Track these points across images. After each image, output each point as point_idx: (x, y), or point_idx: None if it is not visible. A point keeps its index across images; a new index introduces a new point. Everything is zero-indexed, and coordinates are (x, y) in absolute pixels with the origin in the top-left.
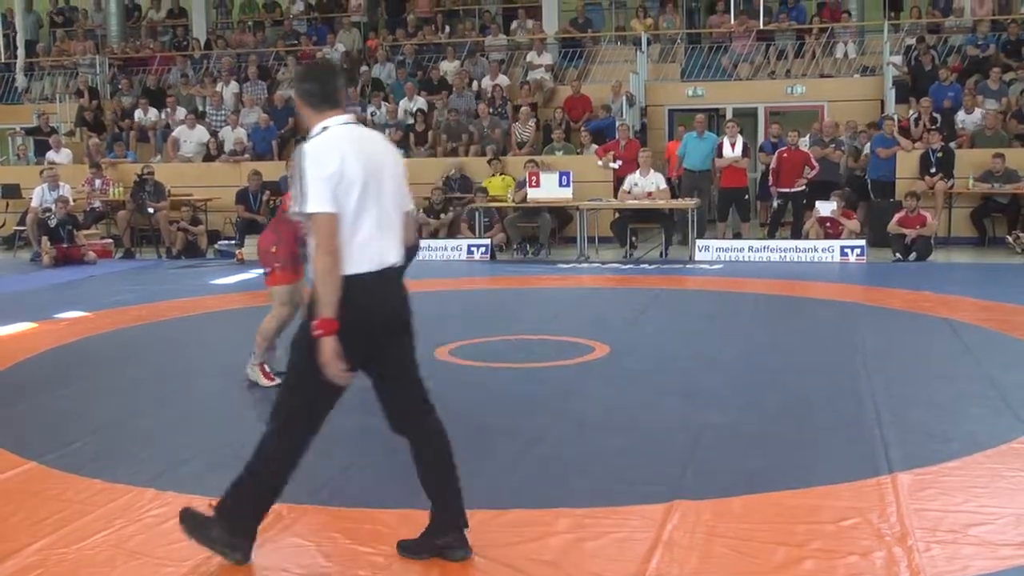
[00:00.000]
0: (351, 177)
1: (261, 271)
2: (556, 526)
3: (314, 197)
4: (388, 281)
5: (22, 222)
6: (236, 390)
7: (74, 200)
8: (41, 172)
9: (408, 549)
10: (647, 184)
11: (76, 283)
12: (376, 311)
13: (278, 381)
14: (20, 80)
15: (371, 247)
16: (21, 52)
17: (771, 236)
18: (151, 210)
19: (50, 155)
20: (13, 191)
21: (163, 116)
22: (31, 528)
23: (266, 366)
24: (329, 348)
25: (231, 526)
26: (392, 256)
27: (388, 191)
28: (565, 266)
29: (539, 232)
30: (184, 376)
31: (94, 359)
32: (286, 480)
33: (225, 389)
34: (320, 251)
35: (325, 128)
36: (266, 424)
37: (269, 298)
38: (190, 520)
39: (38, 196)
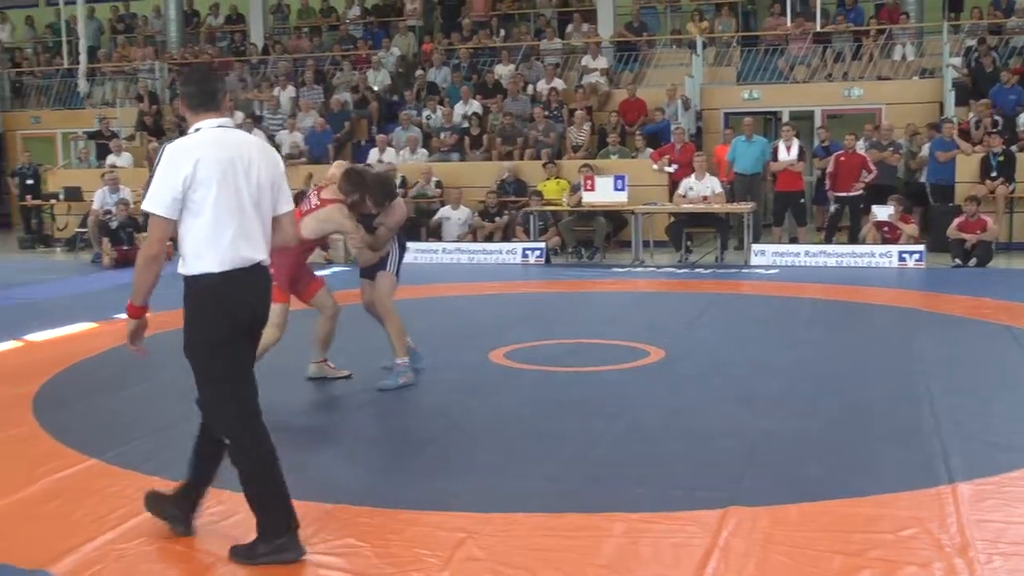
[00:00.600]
0: (203, 178)
1: None
2: (611, 531)
3: (152, 196)
4: (246, 279)
5: (83, 224)
6: (290, 391)
7: (134, 203)
8: (102, 175)
9: (240, 554)
10: (702, 188)
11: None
12: (235, 306)
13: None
14: (82, 85)
15: (228, 246)
16: (83, 58)
17: (828, 241)
18: None
19: (111, 159)
20: (75, 194)
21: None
22: (91, 524)
23: None
24: (135, 327)
25: (271, 535)
26: (252, 254)
27: (249, 193)
28: (620, 270)
29: (594, 236)
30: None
31: (153, 359)
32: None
33: (280, 390)
34: (145, 246)
35: (197, 130)
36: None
37: None
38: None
39: (99, 199)
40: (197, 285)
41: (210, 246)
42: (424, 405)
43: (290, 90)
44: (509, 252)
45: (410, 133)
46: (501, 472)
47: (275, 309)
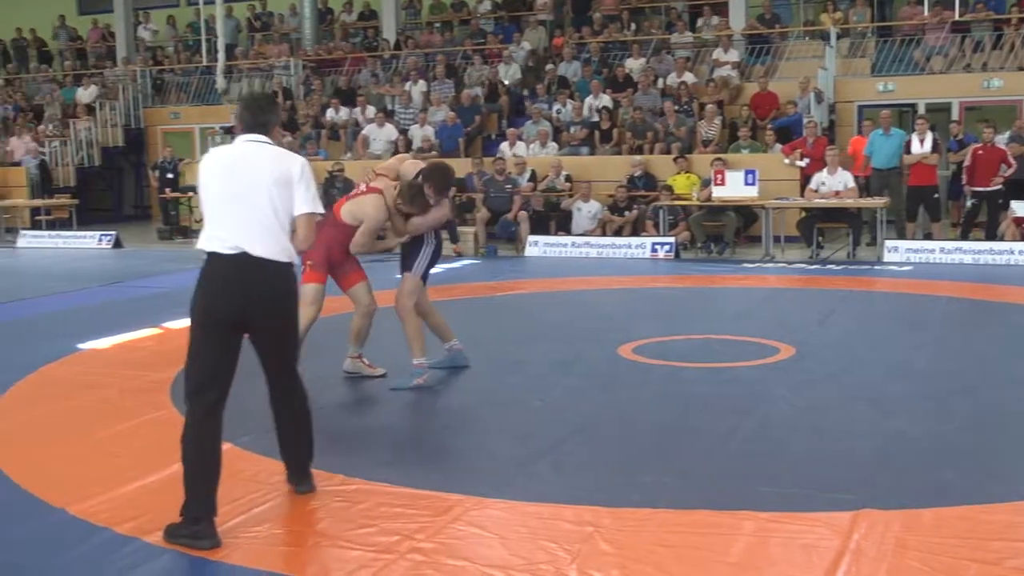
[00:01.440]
0: (203, 181)
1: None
2: (741, 529)
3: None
4: (236, 266)
5: None
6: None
7: None
8: (371, 169)
9: (167, 531)
10: (835, 183)
11: None
12: (218, 290)
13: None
14: (220, 82)
15: (217, 235)
16: (221, 56)
17: (964, 237)
18: None
19: None
20: None
21: (353, 115)
22: (225, 507)
23: None
24: None
25: (187, 519)
26: (244, 246)
27: (244, 193)
28: (750, 265)
29: (724, 231)
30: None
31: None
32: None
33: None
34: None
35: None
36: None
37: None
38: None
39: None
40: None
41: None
42: (553, 400)
43: (421, 84)
44: (638, 247)
45: (540, 127)
46: (630, 467)
47: (305, 289)
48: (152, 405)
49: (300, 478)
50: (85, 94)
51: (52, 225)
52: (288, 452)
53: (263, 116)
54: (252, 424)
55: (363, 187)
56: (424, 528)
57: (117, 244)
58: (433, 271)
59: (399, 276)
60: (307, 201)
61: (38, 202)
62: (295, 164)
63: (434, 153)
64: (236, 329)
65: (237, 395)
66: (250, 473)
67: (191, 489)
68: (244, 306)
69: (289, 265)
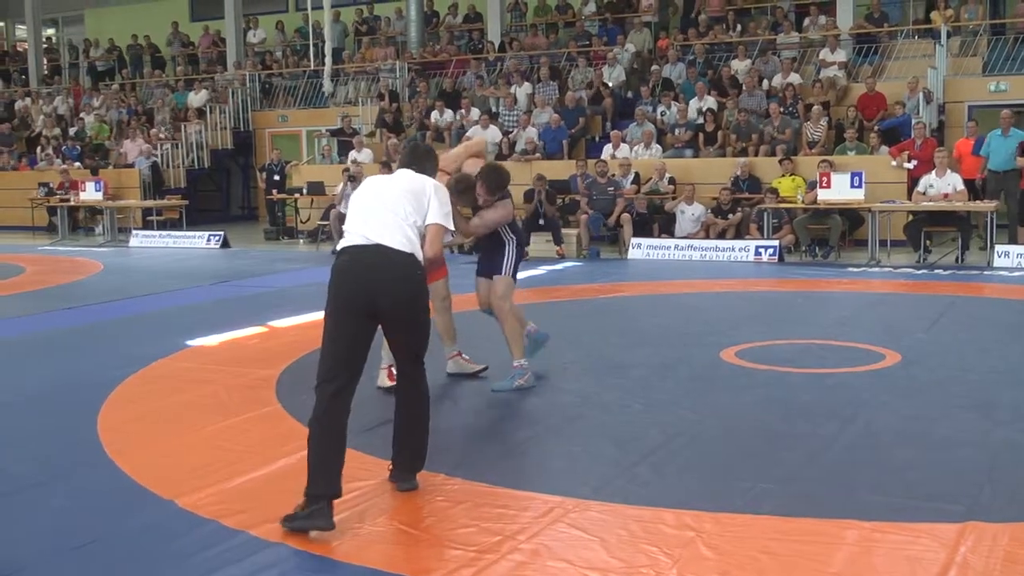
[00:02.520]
0: (356, 195)
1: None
2: (844, 538)
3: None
4: (371, 254)
5: (325, 217)
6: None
7: None
8: (344, 170)
9: (285, 518)
10: (943, 185)
11: None
12: (357, 275)
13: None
14: (327, 85)
15: (356, 231)
16: (328, 59)
17: None
18: None
19: (352, 154)
20: (317, 188)
21: (458, 117)
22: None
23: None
24: None
25: (307, 501)
26: (375, 237)
27: (383, 200)
28: (855, 270)
29: (829, 234)
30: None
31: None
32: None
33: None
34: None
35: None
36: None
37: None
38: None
39: (341, 193)
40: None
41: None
42: (655, 402)
43: (526, 87)
44: (742, 250)
45: (644, 129)
46: (731, 472)
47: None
48: (258, 401)
49: (404, 476)
50: (196, 98)
51: (163, 225)
52: (397, 447)
53: (421, 164)
54: (355, 423)
55: None
56: (525, 529)
57: (225, 244)
58: (532, 273)
59: (479, 277)
60: (438, 214)
61: (150, 203)
62: (429, 182)
63: (538, 156)
64: (369, 318)
65: None
66: (350, 469)
67: (316, 469)
68: (376, 292)
69: (417, 260)
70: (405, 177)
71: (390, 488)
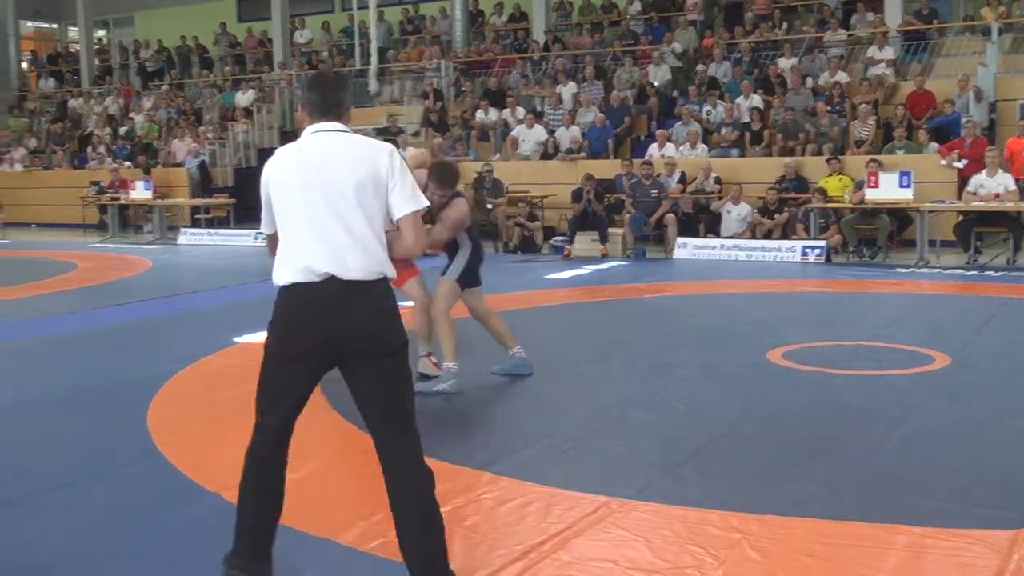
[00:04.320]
0: (274, 190)
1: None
2: (893, 543)
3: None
4: (312, 293)
5: None
6: (568, 383)
7: None
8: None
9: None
10: (994, 185)
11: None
12: (288, 326)
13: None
14: (372, 85)
15: (293, 257)
16: (374, 59)
17: None
18: (490, 206)
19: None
20: None
21: (503, 116)
22: (374, 499)
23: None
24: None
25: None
26: (324, 267)
27: (320, 200)
28: (904, 271)
29: (877, 234)
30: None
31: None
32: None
33: (552, 383)
34: None
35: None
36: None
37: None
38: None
39: None
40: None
41: (279, 258)
42: (700, 403)
43: (571, 86)
44: (788, 250)
45: (690, 128)
46: (778, 474)
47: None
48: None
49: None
50: (243, 98)
51: (211, 223)
52: (405, 552)
53: (335, 96)
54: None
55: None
56: (570, 528)
57: None
58: (577, 272)
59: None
60: (406, 198)
61: (198, 201)
62: (382, 156)
63: (583, 155)
64: (324, 366)
65: None
66: None
67: (239, 524)
68: (336, 337)
69: (387, 284)
70: (345, 151)
71: (440, 489)
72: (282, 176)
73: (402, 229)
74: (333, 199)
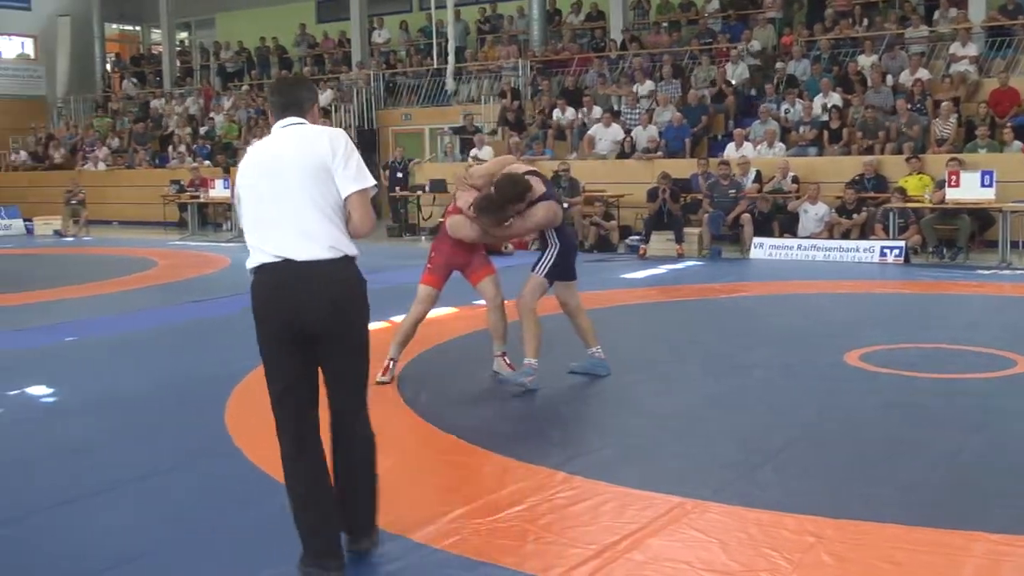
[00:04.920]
0: (245, 181)
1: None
2: (970, 550)
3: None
4: (281, 275)
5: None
6: (645, 383)
7: None
8: (466, 168)
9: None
10: None
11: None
12: (264, 305)
13: (386, 377)
14: (449, 84)
15: (262, 243)
16: (451, 58)
17: None
18: (566, 204)
19: (474, 152)
20: (439, 186)
21: (580, 115)
22: (449, 497)
23: (391, 364)
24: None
25: (304, 552)
26: (289, 251)
27: (283, 188)
28: (985, 272)
29: (957, 235)
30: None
31: (512, 341)
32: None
33: (628, 382)
34: None
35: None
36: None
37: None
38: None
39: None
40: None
41: (248, 245)
42: (777, 405)
43: (648, 85)
44: (866, 250)
45: (768, 127)
46: (853, 478)
47: (420, 289)
48: (380, 395)
49: (357, 536)
50: (322, 98)
51: None
52: (342, 510)
53: (292, 95)
54: (471, 418)
55: (451, 205)
56: (644, 528)
57: None
58: (652, 272)
59: (556, 282)
60: (352, 178)
61: None
62: (323, 141)
63: (660, 154)
64: (304, 343)
65: (456, 390)
66: (474, 466)
67: (301, 526)
68: (302, 312)
69: (350, 262)
70: (295, 145)
71: (513, 485)
72: (247, 171)
73: (349, 208)
74: (284, 186)
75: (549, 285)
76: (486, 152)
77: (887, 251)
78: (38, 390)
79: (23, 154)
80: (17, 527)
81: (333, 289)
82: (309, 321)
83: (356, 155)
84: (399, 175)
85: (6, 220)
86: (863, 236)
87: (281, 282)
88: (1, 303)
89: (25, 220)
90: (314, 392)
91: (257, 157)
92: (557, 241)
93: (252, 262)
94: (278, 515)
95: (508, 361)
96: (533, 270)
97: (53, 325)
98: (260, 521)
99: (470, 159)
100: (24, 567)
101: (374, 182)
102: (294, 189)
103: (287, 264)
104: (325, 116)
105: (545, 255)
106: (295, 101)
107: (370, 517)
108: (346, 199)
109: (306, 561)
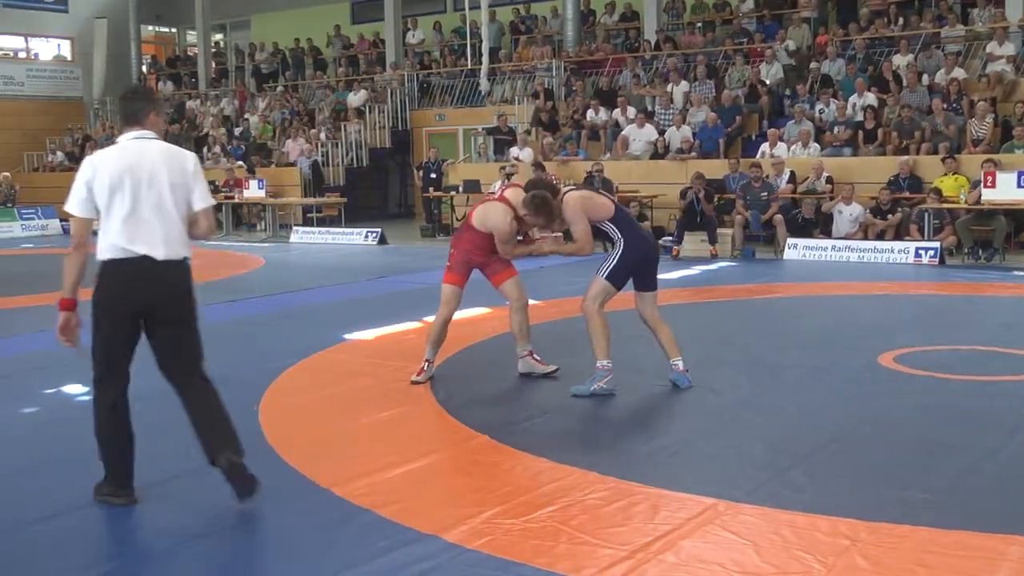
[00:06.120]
0: (100, 184)
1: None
2: (1006, 554)
3: (69, 198)
4: (133, 268)
5: None
6: (669, 384)
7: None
8: (500, 168)
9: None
10: None
11: (528, 273)
12: (117, 291)
13: (421, 377)
14: (483, 84)
15: (116, 239)
16: (485, 59)
17: None
18: None
19: (513, 151)
20: (473, 186)
21: (613, 116)
22: (482, 497)
23: (427, 364)
24: (62, 321)
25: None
26: (142, 248)
27: (147, 196)
28: (1021, 274)
29: (993, 236)
30: (626, 365)
31: (543, 344)
32: (112, 430)
33: (661, 384)
34: (71, 242)
35: (116, 142)
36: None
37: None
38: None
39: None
40: (101, 270)
41: (105, 240)
42: (810, 406)
43: (682, 85)
44: (901, 251)
45: (802, 127)
46: (888, 480)
47: (443, 289)
48: (413, 395)
49: (238, 482)
50: (356, 98)
51: (322, 222)
52: (214, 450)
53: (131, 105)
54: (505, 419)
55: (497, 192)
56: (677, 530)
57: (382, 241)
58: (686, 273)
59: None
60: (202, 197)
61: (310, 200)
62: (188, 163)
63: (693, 155)
64: (137, 319)
65: (489, 391)
66: (506, 467)
67: (106, 459)
68: (144, 298)
69: (187, 264)
70: (160, 155)
71: (545, 486)
72: (107, 173)
73: (198, 218)
74: (151, 194)
75: (616, 289)
76: (526, 153)
77: (922, 252)
78: (73, 389)
79: (60, 155)
80: (57, 523)
81: (177, 282)
82: (157, 306)
83: (203, 176)
84: (433, 175)
85: (43, 220)
86: (898, 237)
87: (139, 275)
88: (36, 303)
89: (62, 220)
90: (131, 357)
91: (123, 163)
92: (622, 244)
93: (109, 254)
94: (314, 513)
95: (537, 357)
96: (598, 273)
97: (87, 325)
98: (291, 518)
99: (511, 158)
100: (63, 563)
101: (214, 202)
102: (166, 199)
103: (146, 259)
104: (359, 117)
105: (610, 257)
106: (132, 112)
107: (226, 435)
108: (197, 211)
109: (103, 490)
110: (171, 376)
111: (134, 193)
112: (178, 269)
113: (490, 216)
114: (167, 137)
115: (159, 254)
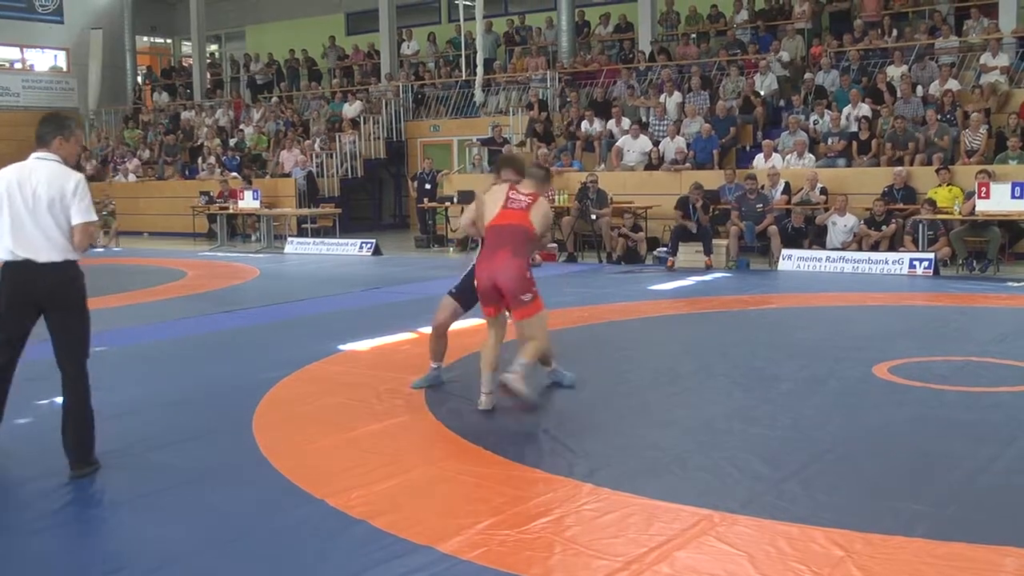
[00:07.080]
0: None
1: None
2: (1002, 566)
3: None
4: (20, 269)
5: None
6: (671, 395)
7: None
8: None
9: None
10: None
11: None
12: (10, 287)
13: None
14: (478, 95)
15: (8, 244)
16: (480, 70)
17: None
18: (594, 216)
19: None
20: (468, 197)
21: (608, 126)
22: (477, 508)
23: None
24: None
25: None
26: (25, 253)
27: (29, 208)
28: (1015, 284)
29: (987, 247)
30: (620, 376)
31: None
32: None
33: (655, 394)
34: None
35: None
36: None
37: None
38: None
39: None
40: (2, 268)
41: (2, 244)
42: (804, 418)
43: (676, 96)
44: (895, 262)
45: (796, 138)
46: (883, 492)
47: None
48: (408, 406)
49: (76, 464)
50: (350, 109)
51: (317, 232)
52: (68, 440)
53: (41, 130)
54: (499, 430)
55: (523, 198)
56: (672, 541)
57: (377, 251)
58: (680, 284)
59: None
60: (80, 213)
61: (305, 211)
62: (70, 182)
63: (688, 165)
64: (32, 311)
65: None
66: (501, 478)
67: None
68: (35, 295)
69: (72, 264)
70: (43, 180)
71: (540, 498)
72: (2, 187)
73: (74, 232)
74: (32, 207)
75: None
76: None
77: (916, 263)
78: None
79: None
80: (58, 530)
81: (56, 280)
82: (42, 298)
83: (88, 196)
84: (428, 186)
85: None
86: (892, 248)
87: (27, 277)
88: None
89: None
90: (24, 335)
91: (14, 180)
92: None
93: (4, 256)
94: (308, 524)
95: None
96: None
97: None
98: (291, 530)
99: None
100: (63, 569)
101: (95, 218)
102: (43, 213)
103: (29, 263)
104: (354, 128)
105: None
106: (40, 136)
107: (78, 448)
108: (74, 225)
109: None
110: (60, 363)
111: (20, 205)
112: (57, 269)
113: (548, 212)
114: (162, 147)
115: (40, 258)
